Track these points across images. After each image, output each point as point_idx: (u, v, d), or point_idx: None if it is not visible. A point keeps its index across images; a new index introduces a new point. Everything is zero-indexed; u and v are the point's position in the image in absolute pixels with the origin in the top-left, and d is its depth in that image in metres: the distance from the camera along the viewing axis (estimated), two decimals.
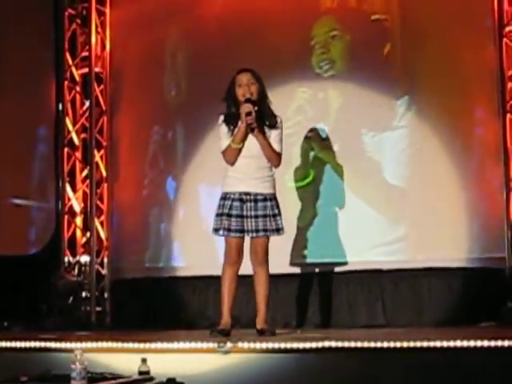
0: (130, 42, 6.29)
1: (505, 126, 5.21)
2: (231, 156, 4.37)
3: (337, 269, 5.60)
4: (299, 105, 5.79)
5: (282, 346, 3.64)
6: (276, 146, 4.36)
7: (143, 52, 6.22)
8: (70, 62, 6.24)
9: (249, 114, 4.23)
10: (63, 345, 4.01)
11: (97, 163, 6.17)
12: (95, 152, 6.15)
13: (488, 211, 5.35)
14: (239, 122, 4.28)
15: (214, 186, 4.97)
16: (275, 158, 4.37)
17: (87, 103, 6.21)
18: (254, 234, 4.31)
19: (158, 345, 3.79)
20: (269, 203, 4.35)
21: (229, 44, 5.90)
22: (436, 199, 5.43)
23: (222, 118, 4.40)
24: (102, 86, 6.25)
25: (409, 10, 5.64)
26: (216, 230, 4.37)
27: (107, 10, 6.26)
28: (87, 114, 6.18)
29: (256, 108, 4.28)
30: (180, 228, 6.10)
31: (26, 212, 6.46)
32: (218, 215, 4.34)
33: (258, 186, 4.38)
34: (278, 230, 4.36)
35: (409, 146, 5.51)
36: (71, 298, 6.20)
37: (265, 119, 4.35)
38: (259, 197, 4.35)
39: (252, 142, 4.33)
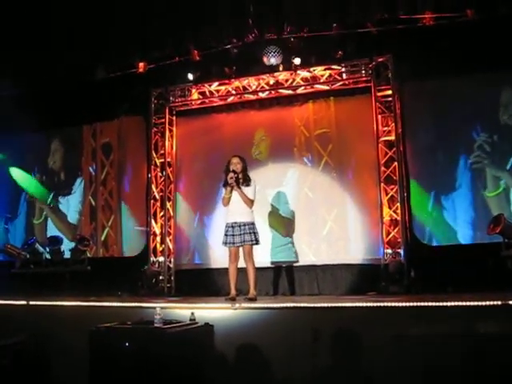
0: (186, 146, 8.85)
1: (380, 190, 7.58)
2: (225, 202, 5.66)
3: (295, 264, 7.71)
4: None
5: (264, 305, 4.66)
6: (250, 196, 5.55)
7: (193, 151, 8.75)
8: (154, 155, 8.84)
9: (231, 178, 5.45)
10: (150, 304, 4.78)
11: (168, 209, 8.56)
12: (167, 202, 8.52)
13: (371, 235, 7.73)
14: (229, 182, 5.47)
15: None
16: (248, 203, 5.55)
17: (163, 177, 8.76)
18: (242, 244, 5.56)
19: (200, 305, 4.61)
20: (248, 226, 5.53)
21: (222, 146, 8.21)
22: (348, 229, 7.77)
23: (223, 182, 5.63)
24: (171, 168, 8.74)
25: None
26: (224, 243, 5.66)
27: (174, 129, 8.90)
28: (163, 182, 8.67)
29: (236, 175, 5.51)
30: (209, 244, 8.31)
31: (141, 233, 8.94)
32: (224, 235, 5.67)
33: (242, 217, 5.56)
34: (256, 241, 5.59)
35: None
36: (154, 280, 8.17)
37: (244, 181, 5.58)
38: (243, 223, 5.58)
39: (237, 194, 5.57)
